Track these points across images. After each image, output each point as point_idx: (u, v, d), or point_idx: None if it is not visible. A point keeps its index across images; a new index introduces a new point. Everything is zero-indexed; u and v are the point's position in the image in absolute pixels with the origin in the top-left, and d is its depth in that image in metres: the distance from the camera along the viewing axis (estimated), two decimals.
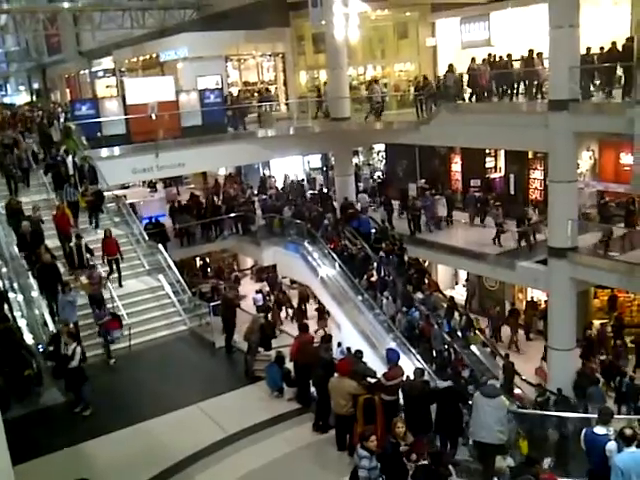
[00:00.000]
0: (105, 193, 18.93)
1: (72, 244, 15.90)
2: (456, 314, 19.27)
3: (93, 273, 14.86)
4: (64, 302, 13.92)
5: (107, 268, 16.21)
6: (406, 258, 20.61)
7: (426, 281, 20.22)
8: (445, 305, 19.45)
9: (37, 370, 12.46)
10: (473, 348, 18.66)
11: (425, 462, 8.13)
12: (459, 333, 18.72)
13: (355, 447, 9.96)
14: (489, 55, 20.75)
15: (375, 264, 19.70)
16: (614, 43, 17.03)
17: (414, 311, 18.22)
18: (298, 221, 21.93)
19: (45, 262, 14.44)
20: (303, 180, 30.46)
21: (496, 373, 17.69)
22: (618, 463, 7.49)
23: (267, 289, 26.29)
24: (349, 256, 20.05)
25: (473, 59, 20.65)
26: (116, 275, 16.29)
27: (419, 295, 19.09)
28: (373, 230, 22.11)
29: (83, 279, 14.70)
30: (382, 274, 19.44)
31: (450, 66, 21.30)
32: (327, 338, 12.40)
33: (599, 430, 8.12)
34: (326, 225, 21.46)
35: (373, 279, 19.19)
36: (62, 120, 24.68)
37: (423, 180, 27.21)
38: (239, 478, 9.63)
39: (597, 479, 8.09)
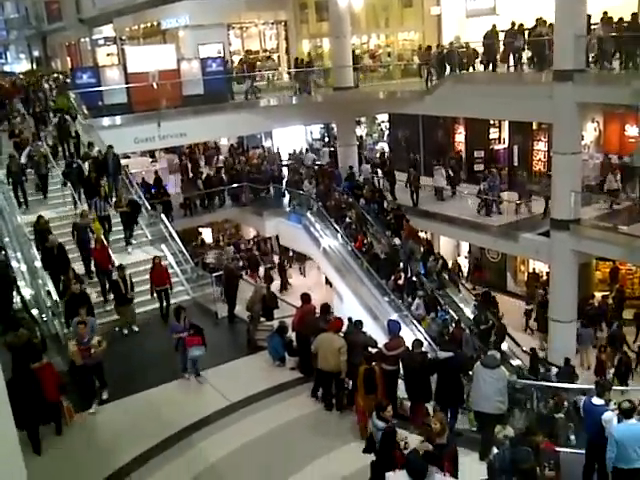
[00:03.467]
0: None
1: (116, 277, 14.05)
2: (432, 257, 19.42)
3: (85, 338, 10.80)
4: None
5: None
6: (385, 205, 21.12)
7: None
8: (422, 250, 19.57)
9: (41, 338, 12.58)
10: (449, 291, 19.01)
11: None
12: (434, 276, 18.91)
13: (347, 408, 10.31)
14: (537, 20, 18.86)
15: (401, 265, 18.90)
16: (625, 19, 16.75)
17: (444, 315, 17.71)
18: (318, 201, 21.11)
19: (74, 292, 12.97)
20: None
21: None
22: (615, 434, 7.59)
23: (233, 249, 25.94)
24: (374, 256, 19.15)
25: (540, 19, 18.56)
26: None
27: (396, 241, 19.20)
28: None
29: (71, 345, 10.82)
30: (409, 275, 18.78)
31: (520, 26, 19.24)
32: (326, 308, 12.36)
33: (597, 400, 8.20)
34: (349, 222, 20.38)
35: (400, 282, 18.33)
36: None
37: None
38: (242, 445, 9.76)
39: (594, 448, 8.20)
